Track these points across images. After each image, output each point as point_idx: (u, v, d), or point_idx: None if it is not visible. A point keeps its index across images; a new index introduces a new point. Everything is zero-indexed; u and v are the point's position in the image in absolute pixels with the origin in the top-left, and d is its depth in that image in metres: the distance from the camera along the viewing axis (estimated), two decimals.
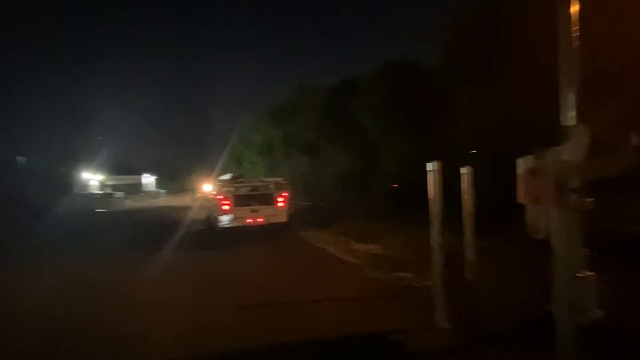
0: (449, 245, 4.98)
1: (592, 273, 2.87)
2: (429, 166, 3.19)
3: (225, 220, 11.41)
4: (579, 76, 2.63)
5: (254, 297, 5.33)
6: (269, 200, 11.77)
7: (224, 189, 11.96)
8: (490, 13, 11.45)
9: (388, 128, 13.19)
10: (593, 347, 2.59)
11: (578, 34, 2.70)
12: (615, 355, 2.82)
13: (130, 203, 40.31)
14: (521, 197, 2.77)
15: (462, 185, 4.69)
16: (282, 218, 11.92)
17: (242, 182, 12.76)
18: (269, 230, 11.77)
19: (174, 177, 64.71)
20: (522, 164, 2.64)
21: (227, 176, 15.01)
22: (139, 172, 62.99)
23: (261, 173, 23.20)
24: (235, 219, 11.43)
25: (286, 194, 12.12)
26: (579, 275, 2.82)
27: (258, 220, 11.68)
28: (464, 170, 4.65)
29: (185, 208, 23.83)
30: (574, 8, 2.93)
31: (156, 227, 16.32)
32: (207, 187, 18.70)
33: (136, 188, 55.52)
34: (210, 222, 13.60)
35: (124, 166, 58.83)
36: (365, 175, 13.99)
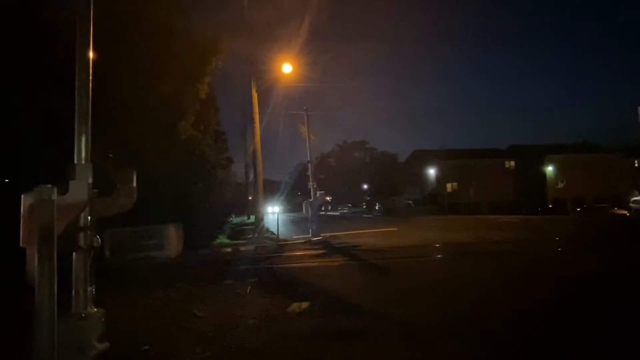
0: None
1: (97, 309, 2.96)
2: None
3: None
4: (90, 121, 2.79)
5: None
6: None
7: None
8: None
9: None
10: None
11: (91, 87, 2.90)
12: None
13: None
14: (23, 240, 2.45)
15: None
16: None
17: None
18: None
19: None
20: (25, 201, 2.34)
21: None
22: None
23: None
24: None
25: None
26: (83, 314, 2.81)
27: None
28: None
29: None
30: (90, 75, 3.13)
31: None
32: None
33: None
34: None
35: None
36: None
